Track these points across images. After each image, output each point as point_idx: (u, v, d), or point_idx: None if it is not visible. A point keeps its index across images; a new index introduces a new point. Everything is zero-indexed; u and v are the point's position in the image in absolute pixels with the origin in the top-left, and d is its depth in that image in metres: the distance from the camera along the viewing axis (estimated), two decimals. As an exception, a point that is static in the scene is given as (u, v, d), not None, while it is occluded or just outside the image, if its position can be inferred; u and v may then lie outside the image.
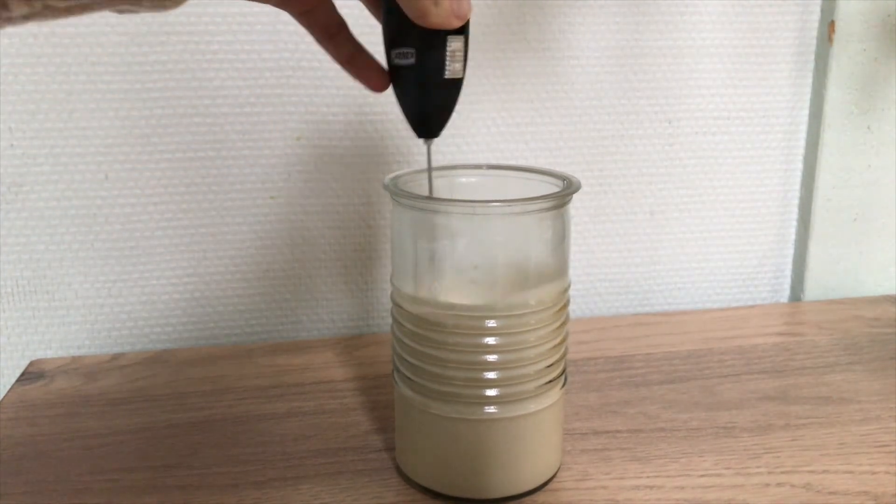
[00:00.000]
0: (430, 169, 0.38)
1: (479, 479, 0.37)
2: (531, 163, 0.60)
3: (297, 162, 0.58)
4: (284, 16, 0.55)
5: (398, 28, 0.33)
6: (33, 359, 0.56)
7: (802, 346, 0.55)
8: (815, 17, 0.62)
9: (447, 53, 0.33)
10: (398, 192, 0.36)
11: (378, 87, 0.36)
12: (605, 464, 0.41)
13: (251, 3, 0.35)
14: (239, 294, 0.60)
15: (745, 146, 0.64)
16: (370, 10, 0.36)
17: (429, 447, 0.37)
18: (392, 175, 0.38)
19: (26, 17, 0.23)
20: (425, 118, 0.36)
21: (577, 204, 0.62)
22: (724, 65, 0.61)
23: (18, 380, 0.51)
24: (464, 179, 0.40)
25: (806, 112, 0.64)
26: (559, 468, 0.40)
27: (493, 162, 0.59)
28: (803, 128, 0.64)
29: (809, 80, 0.63)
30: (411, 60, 0.33)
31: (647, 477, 0.39)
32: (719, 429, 0.44)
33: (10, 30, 0.52)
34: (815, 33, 0.62)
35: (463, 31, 0.33)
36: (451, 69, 0.34)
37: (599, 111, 0.61)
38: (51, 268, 0.57)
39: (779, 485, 0.39)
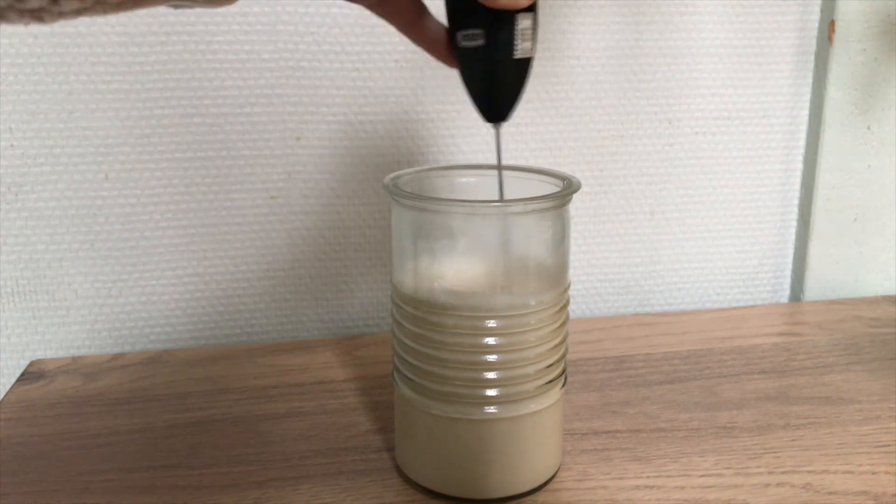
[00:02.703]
0: (499, 155, 0.37)
1: (479, 479, 0.37)
2: (531, 163, 0.60)
3: (297, 162, 0.58)
4: (284, 16, 0.55)
5: (464, 9, 0.32)
6: (33, 359, 0.56)
7: (802, 346, 0.55)
8: (815, 17, 0.62)
9: (517, 32, 0.32)
10: (398, 192, 0.36)
11: None
12: (605, 464, 0.41)
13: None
14: (239, 294, 0.60)
15: (745, 146, 0.64)
16: None
17: (429, 447, 0.37)
18: (392, 175, 0.38)
19: (77, 12, 0.23)
20: (495, 101, 0.34)
21: (577, 204, 0.62)
22: (724, 65, 0.61)
23: (18, 380, 0.51)
24: (464, 179, 0.40)
25: (806, 112, 0.64)
26: (559, 468, 0.40)
27: (493, 162, 0.59)
28: (803, 128, 0.64)
29: (809, 80, 0.63)
30: (479, 42, 0.32)
31: (647, 477, 0.39)
32: (719, 429, 0.44)
33: (10, 30, 0.52)
34: (815, 33, 0.62)
35: (532, 7, 0.32)
36: (522, 48, 0.32)
37: (599, 111, 0.61)
38: (51, 268, 0.57)
39: (779, 485, 0.39)
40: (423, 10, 0.35)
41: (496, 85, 0.34)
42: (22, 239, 0.56)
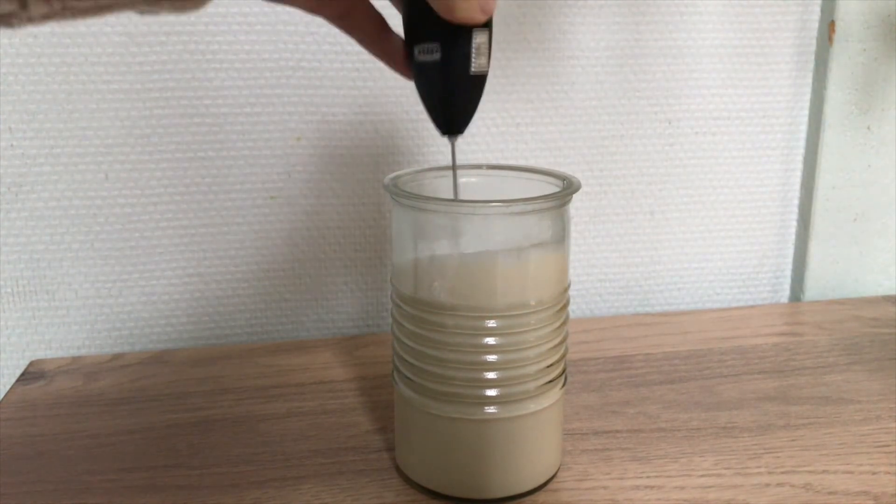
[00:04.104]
0: (454, 168, 0.37)
1: (479, 479, 0.37)
2: (531, 163, 0.61)
3: (297, 162, 0.58)
4: (284, 16, 0.55)
5: (421, 23, 0.33)
6: (33, 359, 0.56)
7: (802, 346, 0.55)
8: (815, 17, 0.62)
9: (472, 48, 0.32)
10: (398, 192, 0.36)
11: None
12: (605, 464, 0.41)
13: (272, 4, 0.35)
14: (239, 294, 0.60)
15: (745, 146, 0.64)
16: (394, 3, 0.36)
17: (429, 447, 0.37)
18: (392, 175, 0.38)
19: (46, 17, 0.23)
20: (451, 115, 0.35)
21: (577, 204, 0.62)
22: (724, 65, 0.61)
23: (18, 380, 0.51)
24: (464, 179, 0.40)
25: (806, 112, 0.64)
26: (559, 468, 0.40)
27: (493, 162, 0.59)
28: (803, 128, 0.64)
29: (809, 80, 0.63)
30: (436, 56, 0.33)
31: (647, 477, 0.39)
32: (719, 429, 0.44)
33: (9, 30, 0.52)
34: (815, 33, 0.62)
35: (487, 24, 0.32)
36: (477, 64, 0.33)
37: (599, 111, 0.61)
38: (51, 268, 0.57)
39: (779, 485, 0.39)
40: (383, 25, 0.35)
41: (452, 99, 0.34)
42: (22, 239, 0.56)
